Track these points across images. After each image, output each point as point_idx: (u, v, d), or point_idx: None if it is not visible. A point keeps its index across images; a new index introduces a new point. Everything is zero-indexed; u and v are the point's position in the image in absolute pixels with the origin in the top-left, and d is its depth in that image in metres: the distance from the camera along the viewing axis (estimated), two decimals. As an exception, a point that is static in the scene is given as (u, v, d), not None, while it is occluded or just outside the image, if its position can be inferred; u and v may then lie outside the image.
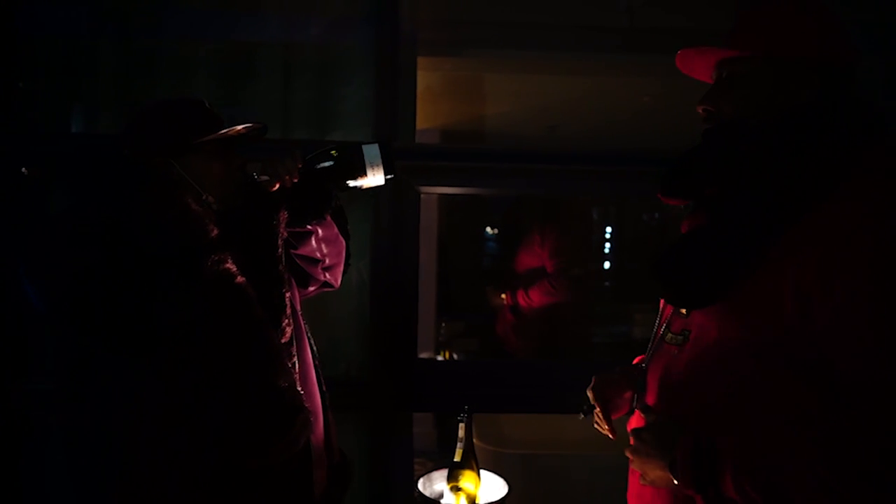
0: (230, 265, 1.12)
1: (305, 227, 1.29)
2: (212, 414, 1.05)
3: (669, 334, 1.07)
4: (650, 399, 1.08)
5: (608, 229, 6.49)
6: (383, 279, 1.89)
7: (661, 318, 1.15)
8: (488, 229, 6.83)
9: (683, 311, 1.05)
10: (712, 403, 0.94)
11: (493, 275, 6.17)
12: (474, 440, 2.50)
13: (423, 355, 2.84)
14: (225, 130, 1.17)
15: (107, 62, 1.98)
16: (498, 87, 2.97)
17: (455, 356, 3.02)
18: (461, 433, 1.41)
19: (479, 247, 7.00)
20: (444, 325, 3.06)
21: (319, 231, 1.32)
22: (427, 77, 2.57)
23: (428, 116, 3.20)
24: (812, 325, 0.85)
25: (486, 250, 7.30)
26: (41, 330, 1.91)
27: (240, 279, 1.12)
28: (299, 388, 1.17)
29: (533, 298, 2.89)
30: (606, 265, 5.97)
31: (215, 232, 1.12)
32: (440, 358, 3.01)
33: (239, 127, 1.20)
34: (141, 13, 2.03)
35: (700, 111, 1.04)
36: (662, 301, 1.16)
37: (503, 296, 3.00)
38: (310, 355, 1.30)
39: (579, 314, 3.13)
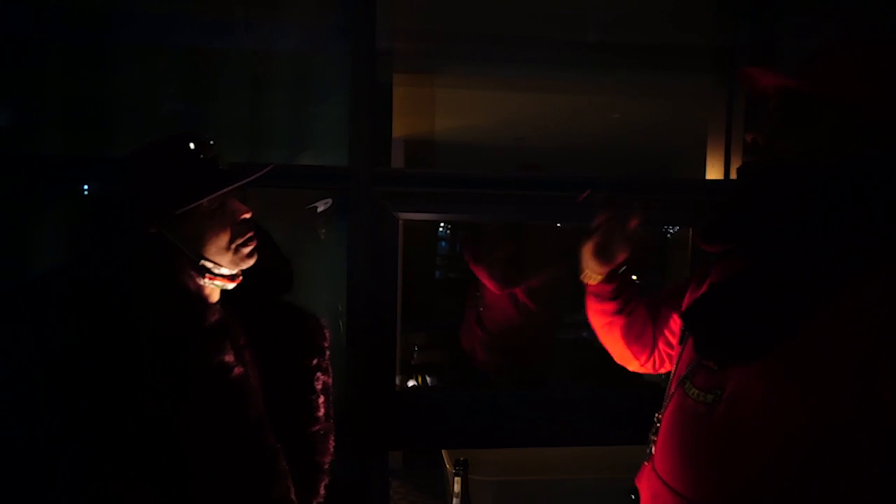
0: (227, 356, 0.98)
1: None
2: None
3: (694, 389, 0.97)
4: (669, 464, 0.99)
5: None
6: (360, 311, 1.79)
7: (678, 365, 1.06)
8: (440, 227, 6.73)
9: (714, 365, 0.94)
10: (758, 490, 0.86)
11: (450, 282, 6.08)
12: (446, 466, 2.43)
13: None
14: (207, 197, 1.02)
15: (56, 70, 1.80)
16: (466, 100, 2.91)
17: (428, 379, 2.93)
18: (457, 488, 1.33)
19: (432, 249, 6.89)
20: (416, 349, 2.97)
21: None
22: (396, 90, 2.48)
23: (394, 127, 3.10)
24: (879, 400, 0.77)
25: (439, 251, 7.20)
26: None
27: (237, 371, 0.99)
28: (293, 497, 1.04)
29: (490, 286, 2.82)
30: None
31: (215, 317, 0.99)
32: (412, 382, 2.92)
33: (228, 189, 1.05)
34: (94, 15, 1.84)
35: (747, 139, 0.97)
36: (679, 345, 1.09)
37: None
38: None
39: (547, 328, 3.08)
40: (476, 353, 2.97)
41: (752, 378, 0.88)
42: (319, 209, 1.94)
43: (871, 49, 0.90)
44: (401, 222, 1.83)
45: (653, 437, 1.09)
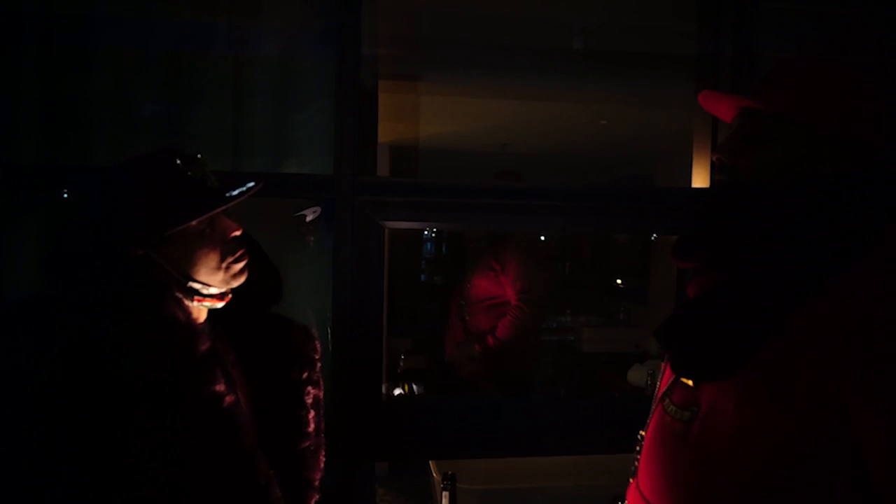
0: (218, 385, 0.95)
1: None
2: None
3: (672, 406, 0.97)
4: (651, 482, 0.98)
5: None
6: (346, 320, 1.77)
7: (661, 380, 1.06)
8: (425, 229, 6.69)
9: (690, 382, 0.94)
10: None
11: (435, 286, 6.06)
12: (433, 474, 2.41)
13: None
14: (199, 218, 0.98)
15: (34, 75, 1.75)
16: (452, 106, 2.90)
17: (414, 387, 2.91)
18: (445, 502, 1.32)
19: (417, 251, 6.88)
20: (403, 357, 2.95)
21: None
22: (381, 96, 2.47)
23: (379, 133, 3.08)
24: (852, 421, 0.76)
25: (424, 253, 7.18)
26: None
27: (228, 400, 0.96)
28: None
29: (502, 336, 2.78)
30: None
31: (205, 346, 0.95)
32: (399, 391, 2.90)
33: (221, 209, 0.99)
34: (74, 18, 1.80)
35: (714, 160, 0.99)
36: (662, 362, 1.08)
37: (476, 348, 2.85)
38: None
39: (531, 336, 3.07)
40: (461, 362, 2.95)
41: (724, 394, 0.87)
42: (308, 218, 1.92)
43: (822, 68, 0.92)
44: (386, 231, 1.81)
45: (636, 455, 1.07)
